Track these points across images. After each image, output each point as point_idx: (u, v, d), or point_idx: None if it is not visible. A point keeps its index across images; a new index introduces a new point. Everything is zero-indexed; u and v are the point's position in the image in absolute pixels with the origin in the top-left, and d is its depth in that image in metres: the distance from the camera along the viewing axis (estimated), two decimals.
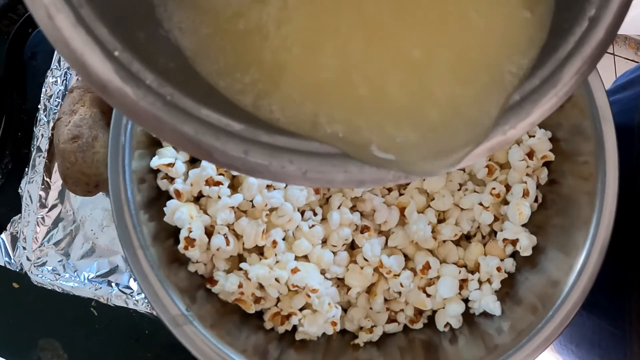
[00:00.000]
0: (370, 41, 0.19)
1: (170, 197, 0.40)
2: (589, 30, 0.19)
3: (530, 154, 0.43)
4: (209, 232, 0.39)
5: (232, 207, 0.38)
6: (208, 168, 0.39)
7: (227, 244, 0.38)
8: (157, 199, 0.40)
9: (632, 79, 0.55)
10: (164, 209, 0.39)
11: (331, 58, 0.19)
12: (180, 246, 0.38)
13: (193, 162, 0.43)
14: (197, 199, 0.41)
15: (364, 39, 0.19)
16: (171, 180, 0.40)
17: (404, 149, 0.18)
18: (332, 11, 0.20)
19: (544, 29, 0.21)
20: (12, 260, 0.55)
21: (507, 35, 0.20)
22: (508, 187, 0.44)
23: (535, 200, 0.44)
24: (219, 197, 0.38)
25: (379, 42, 0.20)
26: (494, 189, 0.43)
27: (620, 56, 1.72)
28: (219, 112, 0.17)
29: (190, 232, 0.37)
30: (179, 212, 0.38)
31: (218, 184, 0.38)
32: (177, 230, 0.39)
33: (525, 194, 0.42)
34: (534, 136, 0.43)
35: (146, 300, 0.52)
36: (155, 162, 0.39)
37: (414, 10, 0.20)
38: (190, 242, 0.37)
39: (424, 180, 0.45)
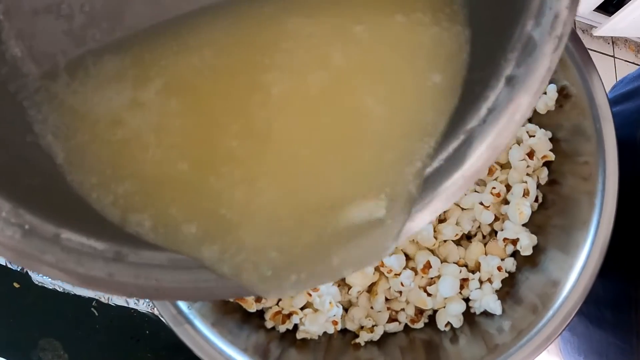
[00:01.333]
0: (262, 160, 0.17)
1: None
2: (506, 93, 0.15)
3: (531, 154, 0.43)
4: None
5: None
6: None
7: None
8: None
9: (632, 89, 0.54)
10: None
11: (221, 179, 0.17)
12: None
13: None
14: None
15: (255, 157, 0.17)
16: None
17: (287, 283, 0.16)
18: (218, 119, 0.18)
19: (455, 94, 0.17)
20: None
21: (411, 119, 0.17)
22: (508, 187, 0.44)
23: (536, 200, 0.45)
24: None
25: (272, 161, 0.17)
26: (494, 188, 0.43)
27: (620, 58, 1.73)
28: (81, 232, 0.16)
29: None
30: None
31: None
32: None
33: (526, 193, 0.42)
34: (534, 136, 0.43)
35: (147, 300, 0.52)
36: None
37: (307, 120, 0.18)
38: None
39: None
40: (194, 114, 0.18)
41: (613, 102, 0.55)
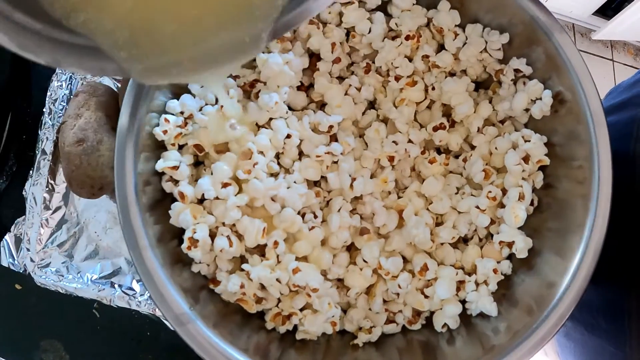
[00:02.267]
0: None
1: (175, 199, 0.40)
2: None
3: (526, 159, 0.44)
4: (213, 234, 0.40)
5: (239, 206, 0.39)
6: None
7: (230, 245, 0.39)
8: (162, 201, 0.41)
9: (625, 99, 0.54)
10: (169, 211, 0.40)
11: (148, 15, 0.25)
12: (184, 246, 0.38)
13: (197, 165, 0.44)
14: (200, 201, 0.41)
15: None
16: (175, 182, 0.41)
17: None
18: None
19: None
20: (16, 262, 0.55)
21: None
22: (504, 191, 0.45)
23: (531, 203, 0.45)
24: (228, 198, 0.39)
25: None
26: (490, 192, 0.44)
27: (619, 62, 1.74)
28: (30, 16, 0.24)
29: (195, 232, 0.38)
30: (183, 214, 0.39)
31: (227, 185, 0.39)
32: (181, 231, 0.40)
33: (521, 197, 0.43)
34: (529, 141, 0.44)
35: (148, 302, 0.53)
36: (160, 165, 0.40)
37: None
38: (194, 242, 0.38)
39: (422, 183, 0.46)
40: None
41: (606, 112, 0.55)
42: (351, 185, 0.43)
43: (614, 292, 0.47)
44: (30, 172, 0.56)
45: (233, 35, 0.25)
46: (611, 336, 0.48)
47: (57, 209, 0.56)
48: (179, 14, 0.25)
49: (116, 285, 0.53)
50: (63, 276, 0.54)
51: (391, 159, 0.45)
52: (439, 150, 0.49)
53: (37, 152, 0.56)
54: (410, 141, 0.46)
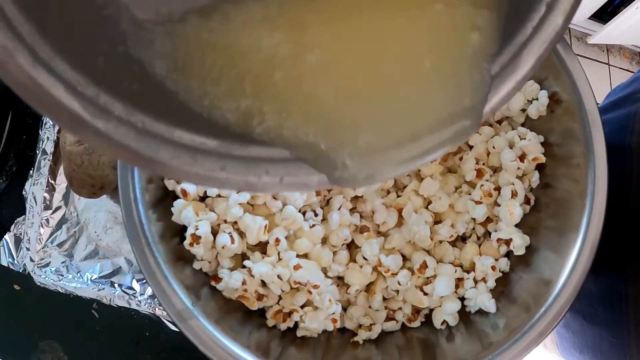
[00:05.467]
0: (356, 64, 0.19)
1: (177, 197, 0.41)
2: (547, 16, 0.19)
3: (522, 157, 0.44)
4: (215, 231, 0.40)
5: (241, 204, 0.40)
6: None
7: (232, 242, 0.39)
8: (164, 199, 0.41)
9: (622, 97, 0.56)
10: (172, 208, 0.40)
11: (327, 87, 0.19)
12: (186, 242, 0.39)
13: None
14: (202, 198, 0.42)
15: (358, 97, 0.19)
16: (177, 180, 0.41)
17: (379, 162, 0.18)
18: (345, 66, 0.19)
19: (498, 31, 0.20)
20: (16, 261, 0.55)
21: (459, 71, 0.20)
22: (499, 189, 0.46)
23: (528, 202, 0.46)
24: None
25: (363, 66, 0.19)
26: (482, 185, 0.44)
27: (615, 66, 1.75)
28: (191, 130, 0.17)
29: (197, 229, 0.38)
30: (185, 211, 0.39)
31: None
32: (183, 229, 0.41)
33: (514, 194, 0.44)
34: (525, 138, 0.44)
35: (148, 301, 0.53)
36: None
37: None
38: (196, 239, 0.38)
39: (420, 182, 0.47)
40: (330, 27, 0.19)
41: (604, 110, 0.56)
42: None
43: (611, 280, 0.47)
44: (31, 171, 0.56)
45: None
46: (609, 325, 0.48)
47: (57, 208, 0.56)
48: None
49: (116, 285, 0.53)
50: (63, 276, 0.54)
51: None
52: None
53: (37, 151, 0.56)
54: None
